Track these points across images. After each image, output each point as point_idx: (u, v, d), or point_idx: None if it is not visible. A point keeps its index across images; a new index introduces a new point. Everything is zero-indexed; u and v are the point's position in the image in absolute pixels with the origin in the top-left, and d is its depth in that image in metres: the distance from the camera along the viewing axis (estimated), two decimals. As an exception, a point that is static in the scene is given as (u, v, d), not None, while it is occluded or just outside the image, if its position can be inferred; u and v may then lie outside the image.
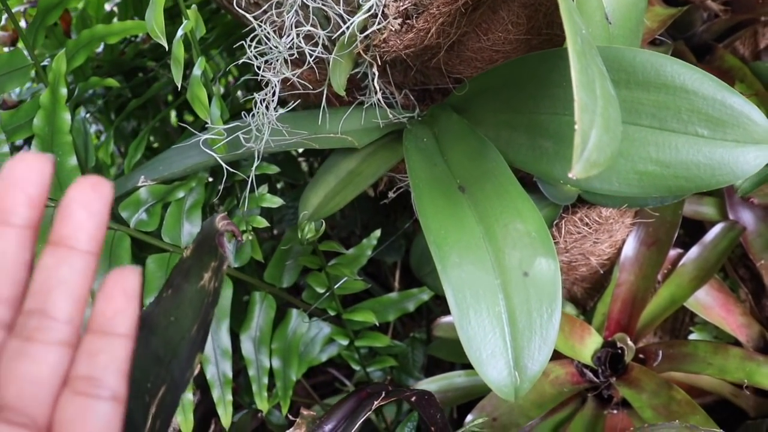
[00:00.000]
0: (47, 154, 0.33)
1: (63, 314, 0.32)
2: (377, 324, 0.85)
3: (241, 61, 0.63)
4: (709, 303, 0.82)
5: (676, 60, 0.53)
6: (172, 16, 0.91)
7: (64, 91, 0.69)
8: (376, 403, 0.56)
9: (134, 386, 0.50)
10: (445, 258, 0.51)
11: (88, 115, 0.89)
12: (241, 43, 0.65)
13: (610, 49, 0.55)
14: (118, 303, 0.33)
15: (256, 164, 0.66)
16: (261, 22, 0.64)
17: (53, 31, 0.86)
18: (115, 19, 0.93)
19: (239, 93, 1.06)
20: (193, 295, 0.49)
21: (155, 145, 1.19)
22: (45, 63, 0.80)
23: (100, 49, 0.89)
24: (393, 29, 0.60)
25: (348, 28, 0.58)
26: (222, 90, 1.13)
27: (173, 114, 1.22)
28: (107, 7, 0.93)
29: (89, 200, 0.32)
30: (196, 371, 0.46)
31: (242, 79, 0.96)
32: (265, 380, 0.78)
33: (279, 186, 1.13)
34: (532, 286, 0.51)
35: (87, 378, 0.32)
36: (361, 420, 0.55)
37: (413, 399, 0.63)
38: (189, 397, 0.69)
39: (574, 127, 0.41)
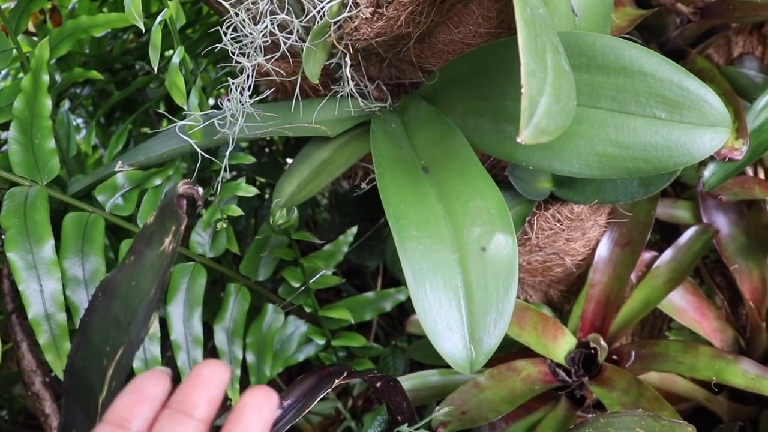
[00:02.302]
0: (228, 365, 0.39)
1: None
2: (353, 322, 0.85)
3: (218, 48, 0.65)
4: (683, 306, 0.82)
5: (635, 45, 0.54)
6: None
7: (46, 77, 0.70)
8: (336, 381, 0.57)
9: (93, 351, 0.51)
10: (403, 230, 0.51)
11: (79, 120, 0.91)
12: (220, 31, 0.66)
13: (572, 34, 0.56)
14: None
15: (230, 149, 0.67)
16: (237, 10, 0.66)
17: (43, 29, 0.89)
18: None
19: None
20: (154, 259, 0.49)
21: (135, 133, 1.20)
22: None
23: (88, 49, 0.91)
24: (364, 17, 0.62)
25: (320, 13, 0.60)
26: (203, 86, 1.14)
27: (165, 123, 1.24)
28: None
29: (260, 406, 0.37)
30: (151, 330, 0.47)
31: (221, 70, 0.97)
32: (238, 372, 0.78)
33: (265, 192, 1.15)
34: (490, 262, 0.52)
35: None
36: (320, 397, 0.55)
37: (378, 384, 0.63)
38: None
39: (521, 91, 0.42)
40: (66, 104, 0.81)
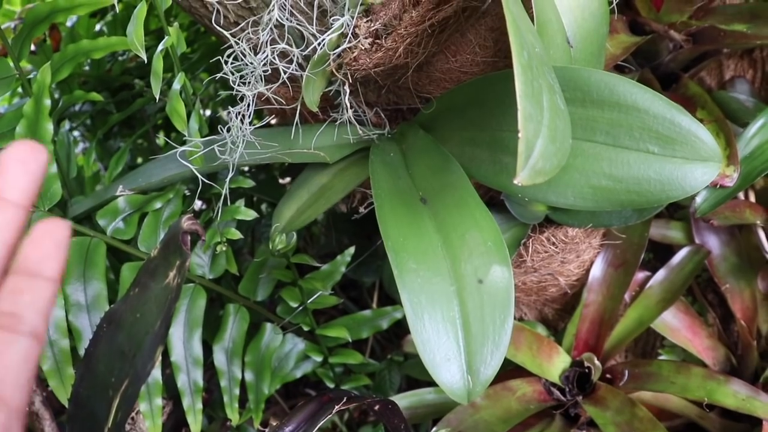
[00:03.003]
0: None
1: None
2: (350, 340, 0.86)
3: (218, 76, 0.66)
4: (675, 325, 0.83)
5: (629, 80, 0.56)
6: (160, 38, 0.94)
7: (47, 102, 0.71)
8: (336, 407, 0.58)
9: (98, 381, 0.52)
10: (402, 263, 0.52)
11: (75, 133, 0.91)
12: (221, 60, 0.67)
13: (567, 69, 0.58)
14: (46, 248, 0.35)
15: (230, 176, 0.68)
16: (238, 39, 0.67)
17: (43, 47, 0.89)
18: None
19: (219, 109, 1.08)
20: (159, 292, 0.50)
21: (139, 159, 1.21)
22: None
23: (87, 67, 0.92)
24: (363, 48, 0.63)
25: (320, 44, 0.61)
26: (204, 111, 1.15)
27: (162, 134, 1.25)
28: (97, 27, 0.96)
29: (26, 159, 0.34)
30: (157, 363, 0.48)
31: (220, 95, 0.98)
32: (236, 391, 0.79)
33: (262, 207, 1.16)
34: (487, 293, 0.53)
35: (9, 314, 0.34)
36: (321, 423, 0.56)
37: (376, 408, 0.64)
38: (158, 402, 0.70)
39: (518, 135, 0.43)
40: (66, 125, 0.82)
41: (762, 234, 0.78)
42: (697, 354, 0.83)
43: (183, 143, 0.74)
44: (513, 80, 0.60)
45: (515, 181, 0.43)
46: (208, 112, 1.15)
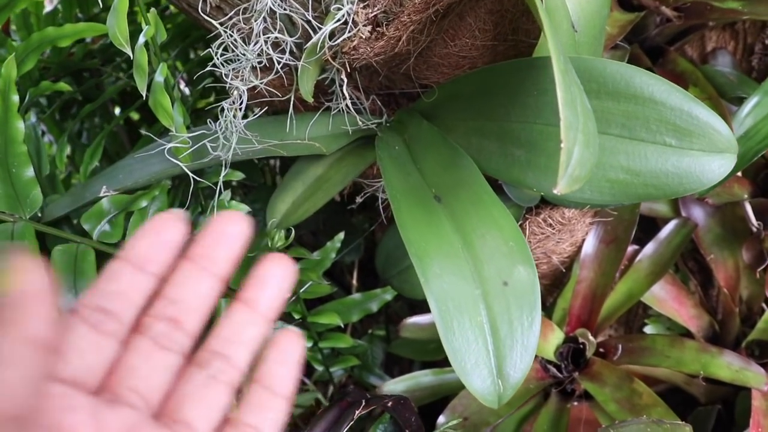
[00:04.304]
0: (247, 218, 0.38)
1: (242, 365, 0.36)
2: (342, 326, 0.85)
3: (207, 68, 0.62)
4: (663, 296, 0.85)
5: (645, 71, 0.55)
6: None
7: (15, 98, 0.66)
8: (357, 412, 0.57)
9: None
10: (427, 269, 0.51)
11: (37, 117, 0.85)
12: (199, 42, 0.63)
13: (581, 59, 0.56)
14: (287, 368, 0.37)
15: (224, 174, 0.65)
16: (226, 28, 0.63)
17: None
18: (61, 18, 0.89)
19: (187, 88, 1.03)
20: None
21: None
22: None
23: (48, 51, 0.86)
24: (363, 37, 0.60)
25: (320, 37, 0.58)
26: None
27: (118, 111, 1.19)
28: (50, 5, 0.89)
29: (282, 276, 0.38)
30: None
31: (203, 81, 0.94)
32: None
33: (235, 186, 1.12)
34: (512, 295, 0.52)
35: (253, 427, 0.35)
36: (345, 429, 0.55)
37: (390, 404, 0.63)
38: None
39: (560, 145, 0.41)
40: (32, 117, 0.76)
41: (748, 207, 0.80)
42: (683, 323, 0.85)
43: (161, 133, 0.71)
44: (524, 71, 0.59)
45: (555, 191, 0.42)
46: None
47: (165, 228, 0.35)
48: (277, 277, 0.38)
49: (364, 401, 0.58)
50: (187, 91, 1.06)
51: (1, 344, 0.25)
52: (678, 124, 0.54)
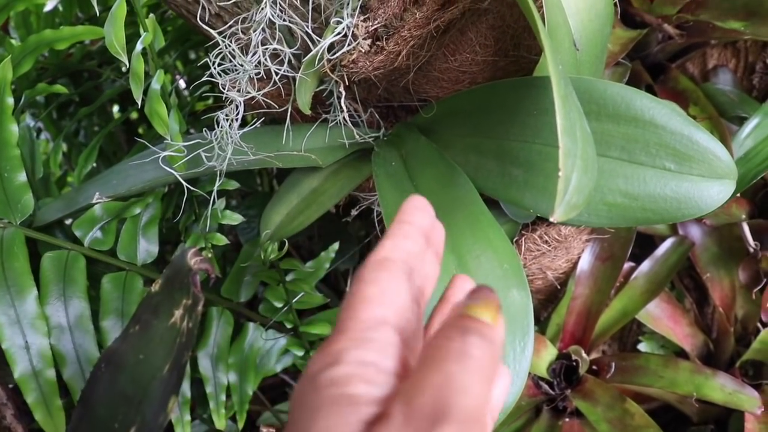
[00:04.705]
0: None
1: None
2: (334, 336, 0.84)
3: (204, 78, 0.61)
4: (658, 314, 0.84)
5: (645, 94, 0.54)
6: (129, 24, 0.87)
7: (10, 100, 0.65)
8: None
9: (99, 424, 0.49)
10: (421, 292, 0.50)
11: (33, 118, 0.85)
12: (200, 46, 0.63)
13: (582, 80, 0.56)
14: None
15: (218, 184, 0.64)
16: (224, 36, 0.62)
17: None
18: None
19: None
20: (164, 332, 0.47)
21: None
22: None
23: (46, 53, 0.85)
24: (362, 50, 0.59)
25: (320, 50, 0.57)
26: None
27: (116, 109, 1.18)
28: (49, 6, 0.88)
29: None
30: (171, 415, 0.45)
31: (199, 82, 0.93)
32: (223, 397, 0.76)
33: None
34: (506, 319, 0.51)
35: None
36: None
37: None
38: (186, 417, 0.67)
39: (558, 173, 0.41)
40: (27, 118, 0.75)
41: (746, 227, 0.79)
42: (678, 342, 0.85)
43: (155, 137, 0.70)
44: (524, 90, 0.58)
45: (551, 219, 0.42)
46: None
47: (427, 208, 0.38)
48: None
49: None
50: (186, 91, 1.06)
51: None
52: (678, 148, 0.53)
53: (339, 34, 0.57)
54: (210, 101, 1.02)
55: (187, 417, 0.71)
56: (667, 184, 0.54)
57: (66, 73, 0.85)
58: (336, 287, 1.16)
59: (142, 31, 0.64)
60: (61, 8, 0.89)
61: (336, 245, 0.83)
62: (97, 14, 0.67)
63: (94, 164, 0.78)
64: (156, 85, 0.64)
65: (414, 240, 0.35)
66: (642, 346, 0.89)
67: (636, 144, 0.54)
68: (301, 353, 0.88)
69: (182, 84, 1.09)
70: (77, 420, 0.50)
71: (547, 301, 0.91)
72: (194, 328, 0.45)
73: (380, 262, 0.33)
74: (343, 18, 0.57)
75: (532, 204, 0.56)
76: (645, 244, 0.87)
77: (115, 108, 1.18)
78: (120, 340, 0.49)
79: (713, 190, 0.53)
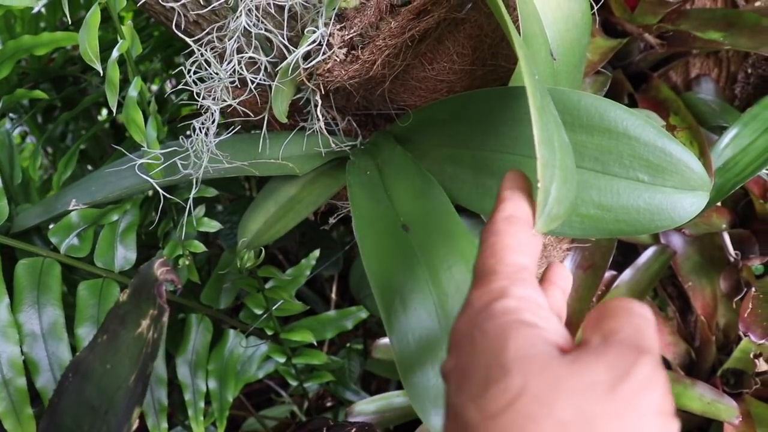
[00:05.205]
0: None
1: None
2: (315, 343, 0.84)
3: (179, 87, 0.61)
4: (639, 323, 0.84)
5: (619, 105, 0.54)
6: (104, 19, 0.87)
7: (-13, 107, 0.65)
8: (317, 440, 0.56)
9: (65, 435, 0.49)
10: (389, 304, 0.50)
11: (12, 123, 0.84)
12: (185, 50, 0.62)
13: (556, 91, 0.55)
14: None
15: (194, 191, 0.64)
16: (201, 44, 0.62)
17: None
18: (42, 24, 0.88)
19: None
20: (131, 342, 0.47)
21: (82, 146, 1.14)
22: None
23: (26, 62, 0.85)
24: (338, 59, 0.59)
25: (293, 59, 0.57)
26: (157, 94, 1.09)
27: (104, 112, 1.18)
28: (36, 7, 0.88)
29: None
30: (135, 426, 0.44)
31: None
32: (202, 404, 0.76)
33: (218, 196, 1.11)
34: (476, 331, 0.51)
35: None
36: (302, 460, 0.55)
37: (353, 431, 0.63)
38: None
39: (537, 185, 0.41)
40: (6, 123, 0.75)
41: (726, 236, 0.79)
42: (660, 350, 0.84)
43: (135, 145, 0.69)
44: (500, 100, 0.58)
45: (532, 231, 0.41)
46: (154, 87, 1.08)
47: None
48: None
49: (325, 428, 0.57)
50: (174, 96, 1.06)
51: None
52: (651, 160, 0.53)
53: (314, 42, 0.57)
54: (196, 106, 1.02)
55: (164, 424, 0.71)
56: (640, 195, 0.53)
57: (48, 78, 0.85)
58: (322, 293, 1.16)
59: (120, 38, 0.63)
60: (44, 12, 0.89)
61: (316, 253, 0.83)
62: (69, 21, 0.67)
63: (78, 169, 0.78)
64: (133, 92, 0.64)
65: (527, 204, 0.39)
66: (624, 355, 0.89)
67: (610, 155, 0.54)
68: (282, 359, 0.88)
69: (169, 87, 1.09)
70: (44, 430, 0.50)
71: (529, 309, 0.91)
72: (159, 339, 0.45)
73: (509, 219, 0.37)
74: (317, 27, 0.57)
75: (506, 215, 0.56)
76: (628, 253, 0.87)
77: (104, 112, 1.18)
78: (88, 350, 0.49)
79: (686, 202, 0.53)
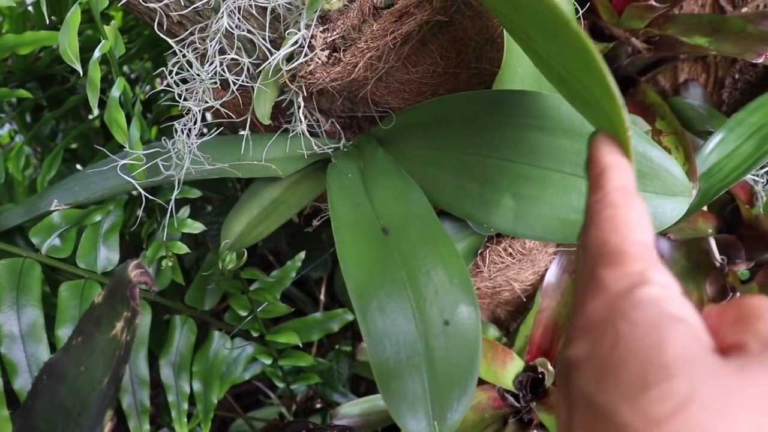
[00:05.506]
0: None
1: None
2: (300, 345, 0.84)
3: (160, 89, 0.61)
4: (626, 328, 0.84)
5: (600, 110, 0.54)
6: (91, 20, 0.87)
7: (-30, 106, 0.65)
8: (295, 444, 0.56)
9: (39, 438, 0.48)
10: (366, 307, 0.50)
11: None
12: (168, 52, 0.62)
13: (537, 96, 0.55)
14: None
15: (176, 192, 0.63)
16: (184, 45, 0.62)
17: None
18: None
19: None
20: (105, 344, 0.47)
21: (73, 146, 1.14)
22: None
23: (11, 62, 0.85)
24: (320, 61, 0.59)
25: (273, 59, 0.57)
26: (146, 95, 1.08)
27: (97, 111, 1.18)
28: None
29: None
30: (107, 429, 0.44)
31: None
32: (185, 406, 0.76)
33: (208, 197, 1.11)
34: (453, 335, 0.51)
35: None
36: (279, 463, 0.54)
37: (333, 434, 0.62)
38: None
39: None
40: (-9, 123, 0.75)
41: (713, 242, 0.79)
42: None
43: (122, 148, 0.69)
44: (481, 103, 0.58)
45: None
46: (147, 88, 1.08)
47: None
48: None
49: (304, 431, 0.57)
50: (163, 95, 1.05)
51: None
52: (631, 165, 0.53)
53: (295, 44, 0.57)
54: (179, 107, 1.02)
55: (147, 426, 0.71)
56: (620, 201, 0.53)
57: (34, 77, 0.84)
58: (312, 294, 1.16)
59: (102, 38, 0.63)
60: (32, 11, 0.88)
61: (302, 255, 0.83)
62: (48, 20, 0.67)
63: (72, 169, 0.77)
64: (116, 92, 0.64)
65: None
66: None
67: (590, 160, 0.54)
68: (269, 361, 0.88)
69: (161, 84, 1.09)
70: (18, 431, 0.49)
71: (516, 312, 0.90)
72: (132, 341, 0.45)
73: (624, 190, 0.34)
74: (300, 29, 0.57)
75: (485, 218, 0.56)
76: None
77: (97, 112, 1.18)
78: (63, 352, 0.49)
79: (667, 207, 0.53)
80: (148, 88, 1.17)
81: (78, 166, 1.08)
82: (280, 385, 0.94)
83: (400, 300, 0.51)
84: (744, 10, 0.78)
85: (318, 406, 1.17)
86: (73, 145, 1.15)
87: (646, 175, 0.53)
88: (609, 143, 0.37)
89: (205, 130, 0.66)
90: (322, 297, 1.09)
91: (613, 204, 0.33)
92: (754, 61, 0.66)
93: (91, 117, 0.90)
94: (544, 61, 0.44)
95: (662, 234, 0.74)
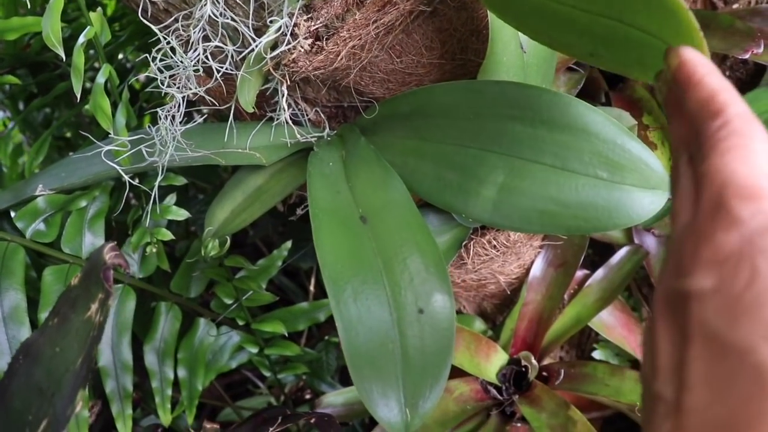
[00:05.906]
0: None
1: None
2: (286, 334, 0.84)
3: (144, 75, 0.61)
4: (611, 323, 0.84)
5: (581, 102, 0.54)
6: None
7: (-43, 90, 0.65)
8: (271, 429, 0.56)
9: (14, 418, 0.49)
10: (340, 293, 0.50)
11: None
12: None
13: (517, 86, 0.55)
14: None
15: (159, 179, 0.64)
16: (168, 32, 0.62)
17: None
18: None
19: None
20: (80, 326, 0.47)
21: (67, 134, 1.15)
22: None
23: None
24: (303, 50, 0.59)
25: (256, 47, 0.57)
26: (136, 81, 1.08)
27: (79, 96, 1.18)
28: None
29: None
30: (78, 408, 0.44)
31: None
32: (169, 392, 0.76)
33: (198, 195, 1.11)
34: (427, 324, 0.51)
35: None
36: (255, 449, 0.55)
37: (312, 421, 0.63)
38: (84, 414, 0.67)
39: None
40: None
41: (699, 238, 0.79)
42: (632, 351, 0.84)
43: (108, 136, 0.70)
44: (462, 93, 0.58)
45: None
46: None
47: None
48: None
49: (280, 418, 0.57)
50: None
51: None
52: (610, 157, 0.53)
53: (278, 32, 0.57)
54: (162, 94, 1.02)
55: (129, 411, 0.71)
56: (599, 192, 0.53)
57: (24, 63, 0.85)
58: (302, 285, 1.16)
59: (88, 24, 0.63)
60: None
61: (288, 244, 0.83)
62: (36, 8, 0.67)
63: (64, 155, 0.78)
64: (101, 79, 0.64)
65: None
66: (596, 354, 0.89)
67: (569, 151, 0.54)
68: (255, 350, 0.88)
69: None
70: (-6, 412, 0.50)
71: (503, 305, 0.91)
72: (104, 323, 0.45)
73: (746, 117, 0.32)
74: (281, 17, 0.57)
75: (464, 208, 0.56)
76: (605, 253, 0.87)
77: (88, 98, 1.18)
78: (39, 333, 0.49)
79: (645, 200, 0.53)
80: (143, 77, 1.17)
81: (71, 154, 1.08)
82: (268, 374, 0.94)
83: (375, 287, 0.52)
84: (735, 6, 0.77)
85: (307, 396, 1.17)
86: (68, 134, 1.15)
87: (625, 167, 0.53)
88: (702, 61, 0.35)
89: (193, 117, 0.66)
90: (311, 287, 1.09)
91: (738, 131, 0.31)
92: (741, 57, 0.66)
93: (78, 104, 0.90)
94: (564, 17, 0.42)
95: (646, 229, 0.74)
